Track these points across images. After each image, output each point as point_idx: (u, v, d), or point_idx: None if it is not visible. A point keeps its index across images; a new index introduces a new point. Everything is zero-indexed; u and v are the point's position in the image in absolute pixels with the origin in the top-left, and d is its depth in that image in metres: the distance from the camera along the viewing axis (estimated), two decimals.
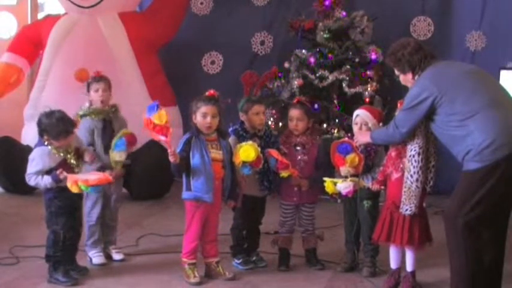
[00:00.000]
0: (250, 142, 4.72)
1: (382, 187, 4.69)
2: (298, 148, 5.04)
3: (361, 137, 4.70)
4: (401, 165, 4.52)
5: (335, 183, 4.68)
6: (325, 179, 4.74)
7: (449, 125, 4.07)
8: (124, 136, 4.98)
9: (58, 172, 4.50)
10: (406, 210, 4.44)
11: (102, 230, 5.18)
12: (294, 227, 5.13)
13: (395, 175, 4.57)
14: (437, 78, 4.16)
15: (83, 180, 4.46)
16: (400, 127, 4.28)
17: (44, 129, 4.58)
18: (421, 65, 4.24)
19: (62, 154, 4.57)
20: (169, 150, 4.57)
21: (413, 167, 4.36)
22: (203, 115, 4.70)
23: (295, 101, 5.27)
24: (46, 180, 4.52)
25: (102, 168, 4.97)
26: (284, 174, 4.85)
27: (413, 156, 4.37)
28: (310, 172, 5.02)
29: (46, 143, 4.57)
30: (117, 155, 4.95)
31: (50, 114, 4.59)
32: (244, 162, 4.65)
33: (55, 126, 4.54)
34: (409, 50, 4.27)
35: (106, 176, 4.61)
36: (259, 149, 4.67)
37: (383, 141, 4.59)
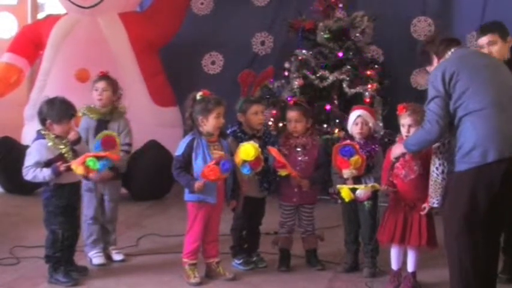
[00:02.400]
0: (251, 142, 4.72)
1: (395, 189, 4.64)
2: (298, 149, 5.04)
3: (396, 149, 4.49)
4: (415, 167, 4.51)
5: (353, 190, 4.64)
6: (340, 186, 4.70)
7: (452, 117, 4.00)
8: (100, 138, 4.97)
9: (58, 164, 4.50)
10: (434, 203, 4.33)
11: (101, 231, 5.18)
12: (294, 227, 5.13)
13: (411, 176, 4.55)
14: (460, 58, 4.10)
15: (92, 154, 4.49)
16: (432, 120, 4.01)
17: (46, 114, 4.60)
18: (442, 45, 4.17)
19: (60, 147, 4.58)
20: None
21: (438, 159, 4.26)
22: (217, 116, 4.69)
23: (291, 102, 5.25)
24: (45, 173, 4.52)
25: None
26: (282, 173, 4.85)
27: (438, 147, 4.27)
28: (311, 173, 5.02)
29: (46, 133, 4.57)
30: None
31: (51, 99, 4.65)
32: (244, 162, 4.65)
33: (58, 109, 4.58)
34: (428, 39, 4.32)
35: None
36: (259, 150, 4.67)
37: (422, 142, 4.21)
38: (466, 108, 3.94)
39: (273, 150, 4.87)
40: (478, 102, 3.92)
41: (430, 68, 4.28)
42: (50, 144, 4.57)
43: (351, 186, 4.68)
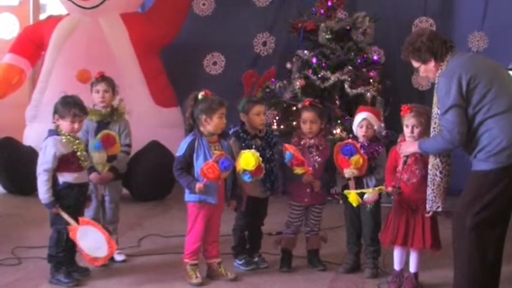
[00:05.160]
0: (252, 150, 4.69)
1: (400, 189, 4.61)
2: (311, 150, 5.03)
3: (408, 148, 4.48)
4: (417, 171, 4.51)
5: (360, 195, 4.64)
6: (348, 191, 4.70)
7: (470, 121, 4.00)
8: (100, 138, 5.02)
9: (55, 208, 4.55)
10: (438, 207, 4.34)
11: None
12: (300, 228, 5.12)
13: (413, 180, 4.54)
14: (470, 63, 4.09)
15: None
16: (452, 130, 4.00)
17: (55, 109, 4.65)
18: (442, 49, 4.13)
19: (73, 144, 4.61)
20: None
21: (442, 163, 4.25)
22: (220, 116, 4.69)
23: (306, 103, 5.20)
24: (44, 193, 4.56)
25: (91, 169, 5.01)
26: (298, 171, 4.84)
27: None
28: (322, 173, 5.01)
29: (59, 130, 4.61)
30: (96, 156, 5.02)
31: (66, 95, 4.72)
32: (244, 170, 4.65)
33: (63, 104, 4.63)
34: (427, 36, 4.17)
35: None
36: (260, 159, 4.64)
37: (442, 150, 4.19)
38: (488, 111, 3.96)
39: (291, 147, 4.85)
40: (500, 105, 3.96)
41: (423, 67, 4.22)
42: (64, 140, 4.60)
43: (359, 191, 4.68)
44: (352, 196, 4.66)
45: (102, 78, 5.22)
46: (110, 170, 5.09)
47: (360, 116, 4.94)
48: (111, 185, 5.22)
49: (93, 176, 5.04)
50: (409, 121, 4.53)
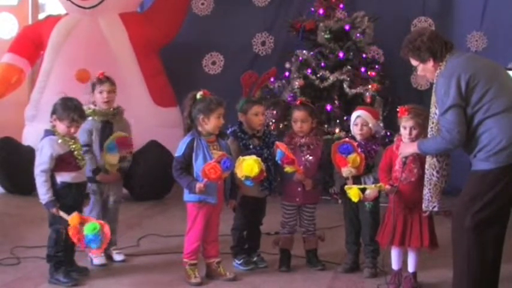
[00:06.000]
0: (253, 157, 4.68)
1: (398, 188, 4.63)
2: (303, 149, 5.03)
3: (407, 149, 4.47)
4: (415, 170, 4.51)
5: (362, 190, 4.64)
6: (349, 186, 4.68)
7: (469, 120, 4.00)
8: (115, 139, 5.03)
9: (55, 208, 4.54)
10: (435, 207, 4.32)
11: None
12: (296, 227, 5.13)
13: (411, 179, 4.54)
14: (469, 62, 4.09)
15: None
16: (451, 130, 3.99)
17: (54, 109, 4.66)
18: (442, 50, 4.11)
19: (69, 144, 4.62)
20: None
21: (439, 162, 4.24)
22: (218, 116, 4.69)
23: (298, 102, 5.24)
24: (44, 194, 4.56)
25: (97, 170, 5.01)
26: (289, 169, 4.84)
27: None
28: (314, 172, 5.01)
29: (55, 130, 4.62)
30: (110, 158, 5.04)
31: (66, 97, 4.71)
32: (247, 177, 4.65)
33: (63, 106, 4.63)
34: (427, 36, 4.15)
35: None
36: (263, 164, 4.64)
37: (442, 150, 4.16)
38: (487, 111, 3.95)
39: (282, 146, 4.84)
40: (500, 104, 3.95)
41: (422, 66, 4.20)
42: (60, 140, 4.60)
43: (361, 186, 4.67)
44: (354, 191, 4.63)
45: (106, 78, 5.21)
46: (118, 171, 5.11)
47: (355, 114, 4.96)
48: (116, 185, 5.25)
49: (101, 176, 5.06)
50: (407, 123, 4.52)
